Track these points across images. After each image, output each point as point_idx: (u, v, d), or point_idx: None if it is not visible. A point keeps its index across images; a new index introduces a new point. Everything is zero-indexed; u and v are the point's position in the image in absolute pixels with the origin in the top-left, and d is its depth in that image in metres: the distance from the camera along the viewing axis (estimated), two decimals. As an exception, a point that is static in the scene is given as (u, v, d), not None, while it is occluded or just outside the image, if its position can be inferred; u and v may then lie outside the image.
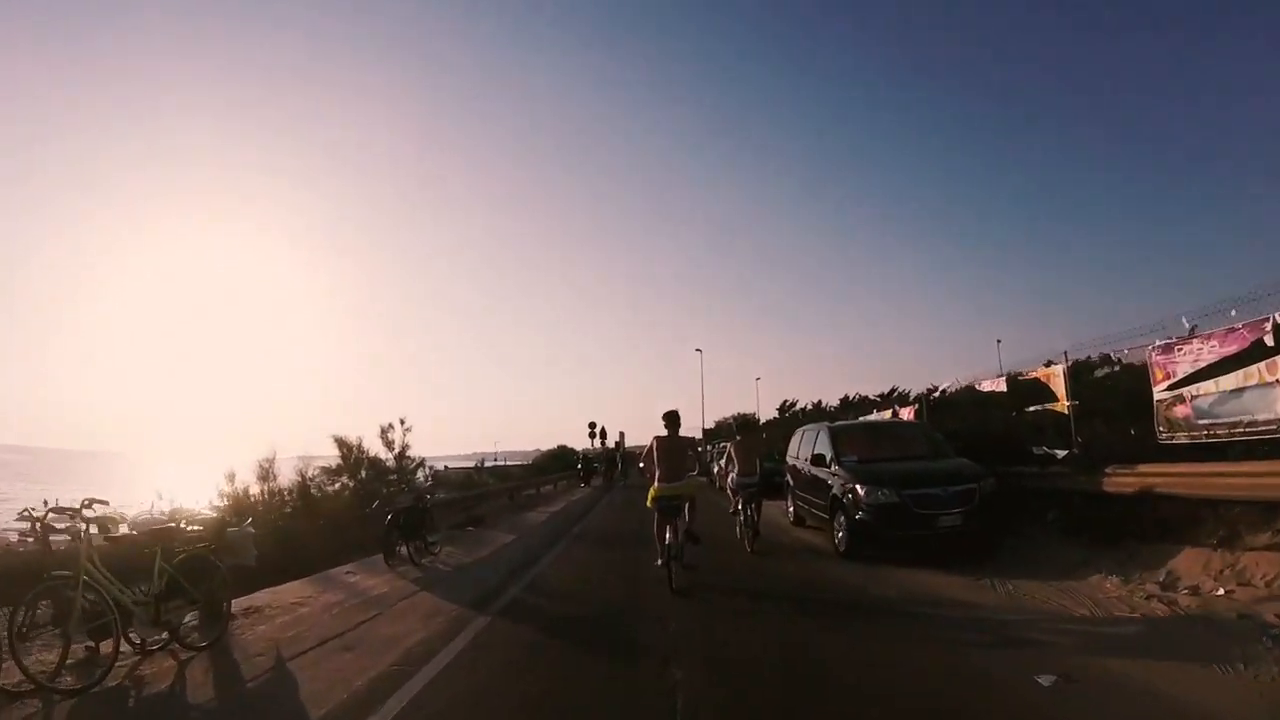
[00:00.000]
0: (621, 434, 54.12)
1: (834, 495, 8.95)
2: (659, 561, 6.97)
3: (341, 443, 17.18)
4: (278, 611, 6.37)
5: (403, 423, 17.22)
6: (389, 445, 17.23)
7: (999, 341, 65.56)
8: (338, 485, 16.42)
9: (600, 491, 26.42)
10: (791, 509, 12.05)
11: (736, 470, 9.66)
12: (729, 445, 10.46)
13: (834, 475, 9.17)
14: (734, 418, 63.91)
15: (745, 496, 9.42)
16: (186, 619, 5.25)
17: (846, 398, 52.41)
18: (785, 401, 57.39)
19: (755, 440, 10.98)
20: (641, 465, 7.88)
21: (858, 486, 8.39)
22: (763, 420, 63.35)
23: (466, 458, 58.18)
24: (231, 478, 11.37)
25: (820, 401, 53.83)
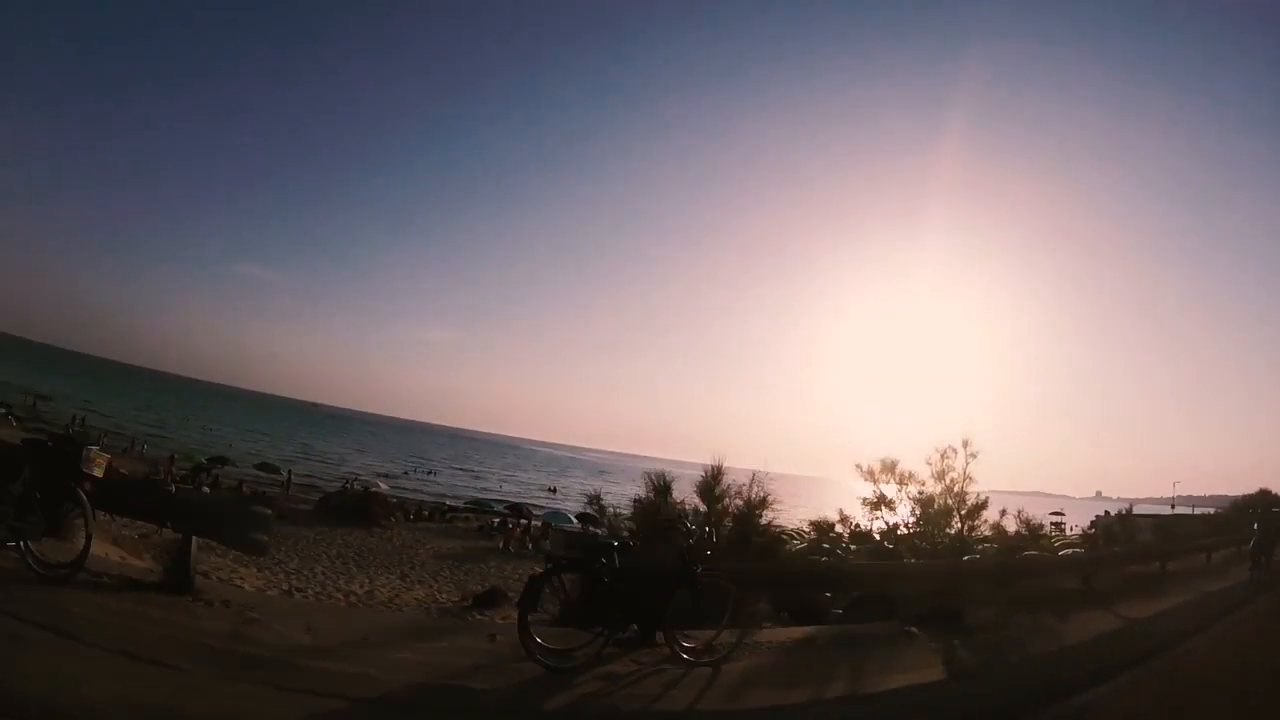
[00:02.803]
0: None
1: None
2: None
3: (890, 468, 13.93)
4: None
5: (966, 446, 12.93)
6: (940, 477, 13.17)
7: None
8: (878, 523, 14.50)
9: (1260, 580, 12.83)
10: None
11: None
12: None
13: None
14: None
15: None
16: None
17: None
18: None
19: None
20: None
21: None
22: None
23: (1150, 501, 47.76)
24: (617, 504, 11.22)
25: None
